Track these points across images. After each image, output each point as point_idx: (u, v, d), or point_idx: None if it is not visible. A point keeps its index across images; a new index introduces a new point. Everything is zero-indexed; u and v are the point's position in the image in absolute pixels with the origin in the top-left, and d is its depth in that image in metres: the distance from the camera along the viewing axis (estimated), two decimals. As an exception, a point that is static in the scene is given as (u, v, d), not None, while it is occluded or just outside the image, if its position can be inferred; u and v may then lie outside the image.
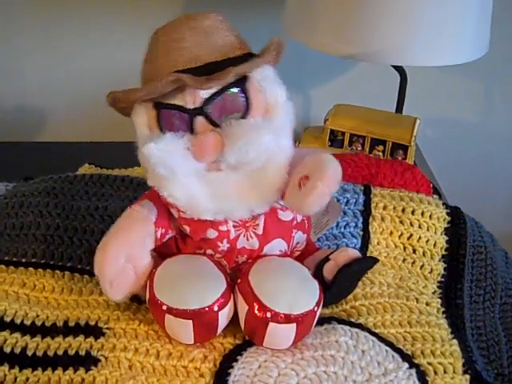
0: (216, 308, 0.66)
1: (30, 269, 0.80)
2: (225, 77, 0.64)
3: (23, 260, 0.82)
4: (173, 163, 0.65)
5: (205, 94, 0.65)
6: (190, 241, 0.73)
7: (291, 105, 0.70)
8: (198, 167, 0.66)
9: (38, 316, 0.73)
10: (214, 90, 0.65)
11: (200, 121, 0.66)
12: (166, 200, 0.69)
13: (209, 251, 0.72)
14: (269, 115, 0.68)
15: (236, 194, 0.67)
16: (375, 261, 0.77)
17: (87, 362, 0.67)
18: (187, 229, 0.72)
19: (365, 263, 0.76)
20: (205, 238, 0.71)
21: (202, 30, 0.67)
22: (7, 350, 0.68)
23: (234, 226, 0.71)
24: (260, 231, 0.71)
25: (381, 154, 1.11)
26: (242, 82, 0.67)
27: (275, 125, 0.67)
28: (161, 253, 0.73)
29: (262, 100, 0.68)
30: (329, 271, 0.72)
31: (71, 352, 0.68)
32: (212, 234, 0.71)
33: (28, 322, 0.72)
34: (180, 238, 0.74)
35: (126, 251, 0.69)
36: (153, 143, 0.65)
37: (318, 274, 0.72)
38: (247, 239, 0.71)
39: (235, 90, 0.67)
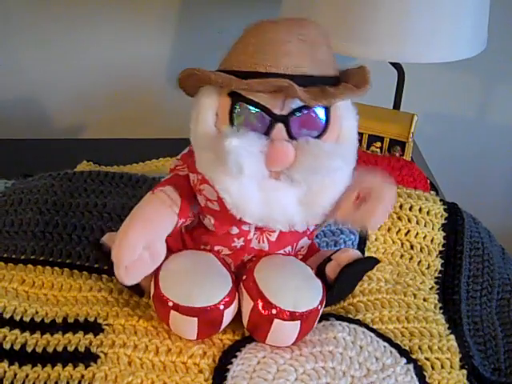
0: (222, 306, 0.67)
1: (29, 266, 0.80)
2: (337, 98, 0.64)
3: (22, 257, 0.82)
4: (246, 163, 0.63)
5: (294, 104, 0.65)
6: (198, 235, 0.72)
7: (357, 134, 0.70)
8: (263, 172, 0.65)
9: (37, 313, 0.73)
10: (303, 103, 0.64)
11: (279, 128, 0.65)
12: (201, 190, 0.68)
13: (217, 247, 0.72)
14: (339, 141, 0.68)
15: (285, 206, 0.66)
16: (377, 261, 0.78)
17: (86, 358, 0.68)
18: (211, 220, 0.71)
19: (367, 263, 0.77)
20: (224, 233, 0.71)
21: (310, 40, 0.66)
22: (7, 346, 0.68)
23: (254, 228, 0.71)
24: (274, 238, 0.72)
25: (378, 150, 1.11)
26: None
27: (344, 152, 0.67)
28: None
29: (338, 125, 0.68)
30: (331, 271, 0.73)
31: (70, 348, 0.69)
32: (234, 230, 0.71)
33: (27, 319, 0.72)
34: (187, 232, 0.73)
35: (146, 240, 0.68)
36: (237, 139, 0.63)
37: (320, 274, 0.73)
38: (259, 242, 0.72)
39: (321, 109, 0.66)
